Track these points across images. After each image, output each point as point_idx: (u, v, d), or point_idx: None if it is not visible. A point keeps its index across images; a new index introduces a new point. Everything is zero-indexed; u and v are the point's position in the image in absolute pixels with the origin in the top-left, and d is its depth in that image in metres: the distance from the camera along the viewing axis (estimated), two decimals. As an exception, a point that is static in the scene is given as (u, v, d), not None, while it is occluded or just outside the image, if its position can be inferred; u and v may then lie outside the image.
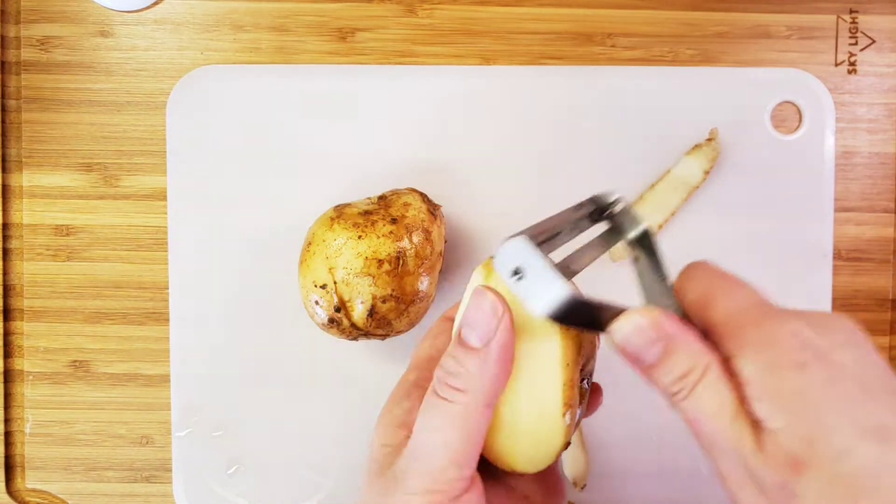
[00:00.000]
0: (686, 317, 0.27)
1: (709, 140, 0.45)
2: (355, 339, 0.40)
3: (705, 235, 0.46)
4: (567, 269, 0.27)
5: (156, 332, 0.46)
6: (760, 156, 0.45)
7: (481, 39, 0.46)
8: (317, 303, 0.39)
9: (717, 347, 0.25)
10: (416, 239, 0.39)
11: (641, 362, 0.25)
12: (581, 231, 0.31)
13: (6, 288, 0.46)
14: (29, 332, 0.46)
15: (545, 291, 0.24)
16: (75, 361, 0.46)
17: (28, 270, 0.46)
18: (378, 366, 0.46)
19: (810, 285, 0.46)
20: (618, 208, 0.31)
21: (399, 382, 0.31)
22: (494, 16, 0.46)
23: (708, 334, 0.25)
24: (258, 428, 0.46)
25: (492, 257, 0.26)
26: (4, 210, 0.46)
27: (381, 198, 0.41)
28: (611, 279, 0.42)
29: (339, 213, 0.40)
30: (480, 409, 0.26)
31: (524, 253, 0.25)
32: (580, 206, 0.31)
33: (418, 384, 0.30)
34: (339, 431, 0.46)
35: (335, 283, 0.38)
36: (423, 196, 0.41)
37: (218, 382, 0.46)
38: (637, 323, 0.25)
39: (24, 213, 0.46)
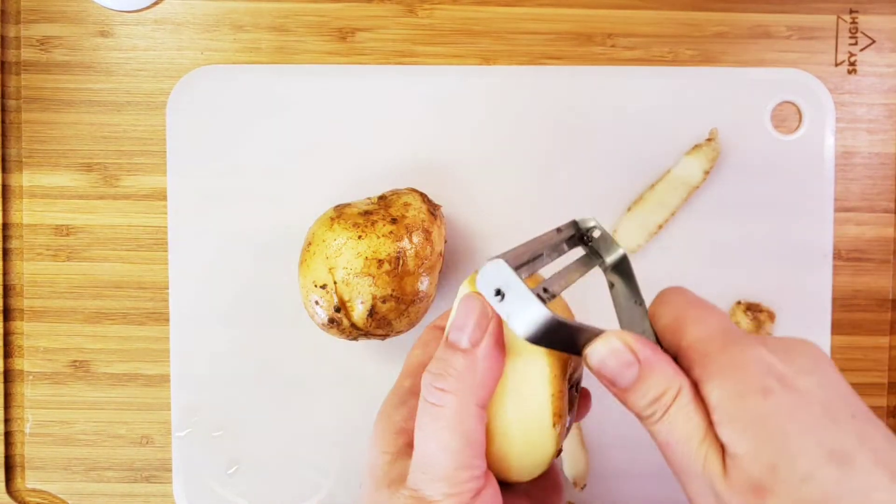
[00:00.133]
0: (659, 341, 0.27)
1: (709, 140, 0.45)
2: (355, 339, 0.40)
3: (705, 235, 0.45)
4: (546, 292, 0.28)
5: (156, 332, 0.46)
6: (760, 156, 0.45)
7: (481, 39, 0.46)
8: (317, 303, 0.39)
9: (687, 372, 0.25)
10: (416, 239, 0.39)
11: (617, 385, 0.26)
12: (560, 254, 0.31)
13: (6, 288, 0.46)
14: (29, 332, 0.46)
15: (524, 313, 0.25)
16: (75, 361, 0.46)
17: (28, 270, 0.46)
18: (378, 366, 0.46)
19: (810, 285, 0.46)
20: (596, 234, 0.32)
21: (393, 389, 0.32)
22: (494, 16, 0.46)
23: (679, 359, 0.26)
24: (258, 428, 0.46)
25: (477, 271, 0.27)
26: (4, 210, 0.46)
27: (381, 198, 0.41)
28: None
29: (339, 213, 0.40)
30: (472, 409, 0.26)
31: (504, 275, 0.25)
32: (561, 229, 0.31)
33: (414, 391, 0.30)
34: (339, 431, 0.46)
35: (335, 283, 0.38)
36: (424, 196, 0.41)
37: (218, 382, 0.46)
38: (613, 346, 0.25)
39: (24, 213, 0.46)
